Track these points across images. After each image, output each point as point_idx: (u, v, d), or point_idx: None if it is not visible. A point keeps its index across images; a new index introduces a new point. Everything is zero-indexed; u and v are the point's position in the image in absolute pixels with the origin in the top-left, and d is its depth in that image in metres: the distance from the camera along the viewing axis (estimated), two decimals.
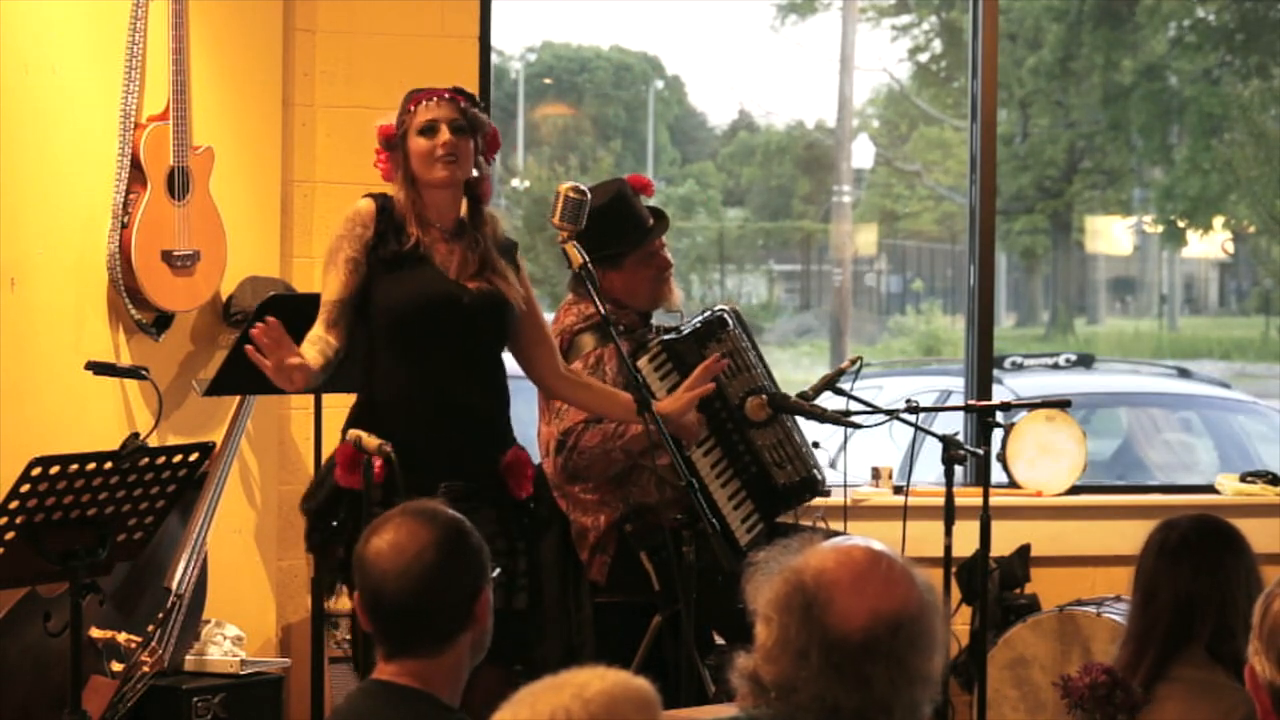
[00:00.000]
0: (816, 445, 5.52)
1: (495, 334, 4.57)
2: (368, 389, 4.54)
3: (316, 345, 4.42)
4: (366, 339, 4.52)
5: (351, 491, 4.39)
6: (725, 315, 5.30)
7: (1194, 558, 3.74)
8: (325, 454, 5.41)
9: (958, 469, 5.39)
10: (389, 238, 4.49)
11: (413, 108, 4.54)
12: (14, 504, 4.23)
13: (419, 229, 4.49)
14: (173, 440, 5.36)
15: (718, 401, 5.15)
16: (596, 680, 2.27)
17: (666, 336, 5.19)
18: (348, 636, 5.51)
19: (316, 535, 4.55)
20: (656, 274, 5.24)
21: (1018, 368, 9.72)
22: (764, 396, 5.23)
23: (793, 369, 18.54)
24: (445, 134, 4.50)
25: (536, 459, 5.30)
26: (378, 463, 4.28)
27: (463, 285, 4.49)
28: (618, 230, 5.15)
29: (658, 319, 5.36)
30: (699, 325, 5.24)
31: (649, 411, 4.44)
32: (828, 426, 5.38)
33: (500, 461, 4.53)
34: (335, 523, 4.46)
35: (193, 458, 4.51)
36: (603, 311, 4.50)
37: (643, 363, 5.06)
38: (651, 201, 5.39)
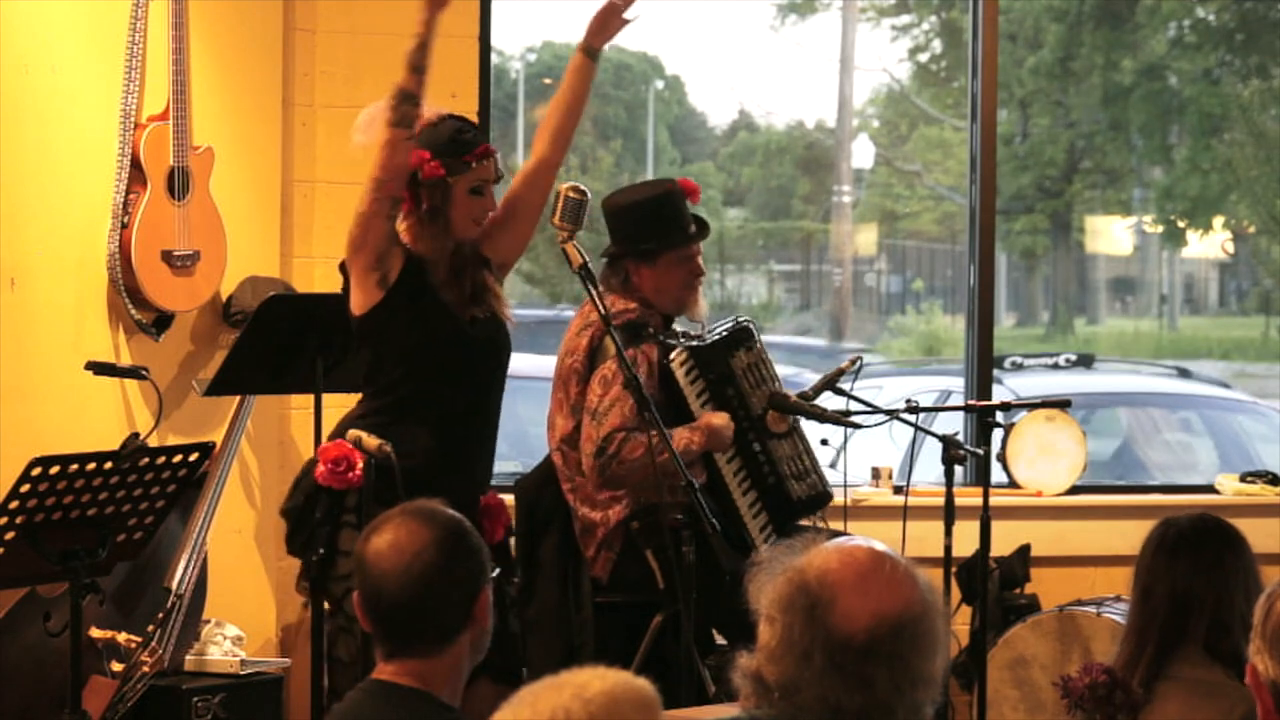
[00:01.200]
0: (825, 443, 5.54)
1: (504, 362, 4.75)
2: (380, 410, 4.55)
3: None
4: (380, 358, 4.55)
5: (330, 491, 4.43)
6: (751, 326, 5.34)
7: (1191, 554, 3.74)
8: None
9: (958, 469, 5.39)
10: (410, 274, 4.56)
11: (472, 163, 4.60)
12: (14, 504, 4.23)
13: (430, 269, 4.59)
14: (173, 440, 5.35)
15: (741, 411, 5.18)
16: (597, 680, 2.27)
17: (692, 343, 5.21)
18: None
19: (298, 538, 4.59)
20: (687, 278, 5.23)
21: (1018, 368, 9.71)
22: (769, 399, 5.25)
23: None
24: (491, 200, 4.67)
25: (529, 460, 5.31)
26: (359, 464, 4.34)
27: (470, 321, 4.62)
28: (660, 227, 5.16)
29: (680, 326, 5.37)
30: (725, 333, 5.27)
31: (658, 427, 4.52)
32: (828, 426, 5.39)
33: (479, 501, 4.68)
34: (313, 519, 4.49)
35: (193, 458, 4.51)
36: (603, 312, 4.52)
37: (674, 365, 5.09)
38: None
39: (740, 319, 5.38)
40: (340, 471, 4.41)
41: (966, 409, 6.20)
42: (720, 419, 5.10)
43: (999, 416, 5.78)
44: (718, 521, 4.55)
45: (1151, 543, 3.81)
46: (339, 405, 5.32)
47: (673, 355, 5.12)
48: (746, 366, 5.26)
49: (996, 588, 6.08)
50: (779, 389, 5.32)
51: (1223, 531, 3.80)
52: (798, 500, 5.33)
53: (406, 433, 4.47)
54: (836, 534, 4.45)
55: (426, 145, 4.55)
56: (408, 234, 4.61)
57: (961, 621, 5.97)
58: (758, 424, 5.24)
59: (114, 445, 4.45)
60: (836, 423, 5.34)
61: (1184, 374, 12.20)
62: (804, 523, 5.44)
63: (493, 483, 5.18)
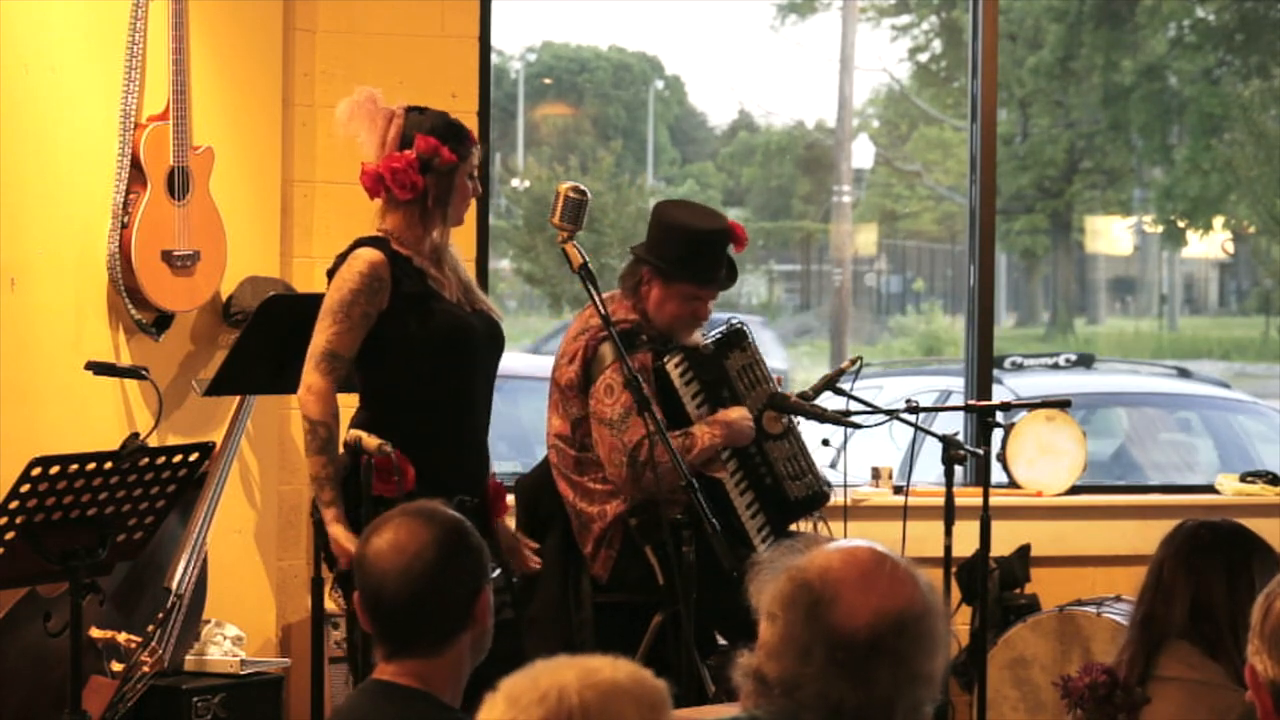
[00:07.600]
0: (826, 443, 5.54)
1: (501, 351, 4.78)
2: (386, 416, 4.56)
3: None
4: (387, 361, 4.55)
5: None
6: (744, 328, 5.33)
7: (1219, 563, 3.70)
8: None
9: (958, 469, 5.39)
10: (402, 280, 4.57)
11: (473, 148, 4.68)
12: (14, 504, 4.23)
13: (427, 262, 4.61)
14: (173, 440, 5.35)
15: None
16: (608, 668, 2.26)
17: (688, 344, 5.21)
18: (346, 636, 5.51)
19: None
20: (689, 316, 5.20)
21: (1018, 368, 9.71)
22: (769, 399, 5.25)
23: (793, 369, 18.53)
24: (478, 185, 4.75)
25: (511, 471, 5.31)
26: (411, 473, 4.34)
27: (473, 312, 4.66)
28: (692, 258, 5.13)
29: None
30: (720, 336, 5.27)
31: (649, 413, 4.52)
32: (828, 426, 5.39)
33: (488, 484, 4.75)
34: None
35: (193, 458, 4.51)
36: (602, 313, 4.53)
37: (670, 368, 5.09)
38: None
39: (733, 320, 5.38)
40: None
41: (966, 409, 6.20)
42: (736, 413, 5.13)
43: (999, 416, 5.78)
44: (716, 523, 4.56)
45: (1180, 546, 3.76)
46: (339, 404, 5.32)
47: (667, 358, 5.12)
48: (741, 368, 5.27)
49: (996, 588, 6.08)
50: (774, 389, 5.32)
51: (1251, 543, 3.77)
52: (796, 500, 5.34)
53: (424, 425, 4.50)
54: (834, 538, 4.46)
55: (431, 131, 4.56)
56: (401, 222, 4.61)
57: (961, 621, 5.97)
58: (754, 425, 5.24)
59: (114, 445, 4.45)
60: (836, 423, 5.34)
61: (1184, 374, 12.20)
62: (804, 527, 5.44)
63: None
